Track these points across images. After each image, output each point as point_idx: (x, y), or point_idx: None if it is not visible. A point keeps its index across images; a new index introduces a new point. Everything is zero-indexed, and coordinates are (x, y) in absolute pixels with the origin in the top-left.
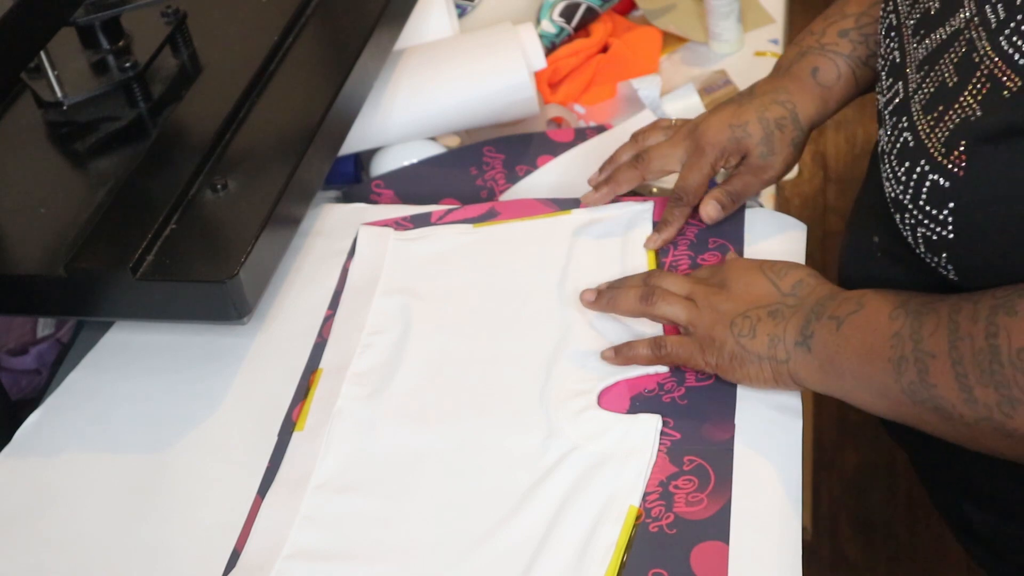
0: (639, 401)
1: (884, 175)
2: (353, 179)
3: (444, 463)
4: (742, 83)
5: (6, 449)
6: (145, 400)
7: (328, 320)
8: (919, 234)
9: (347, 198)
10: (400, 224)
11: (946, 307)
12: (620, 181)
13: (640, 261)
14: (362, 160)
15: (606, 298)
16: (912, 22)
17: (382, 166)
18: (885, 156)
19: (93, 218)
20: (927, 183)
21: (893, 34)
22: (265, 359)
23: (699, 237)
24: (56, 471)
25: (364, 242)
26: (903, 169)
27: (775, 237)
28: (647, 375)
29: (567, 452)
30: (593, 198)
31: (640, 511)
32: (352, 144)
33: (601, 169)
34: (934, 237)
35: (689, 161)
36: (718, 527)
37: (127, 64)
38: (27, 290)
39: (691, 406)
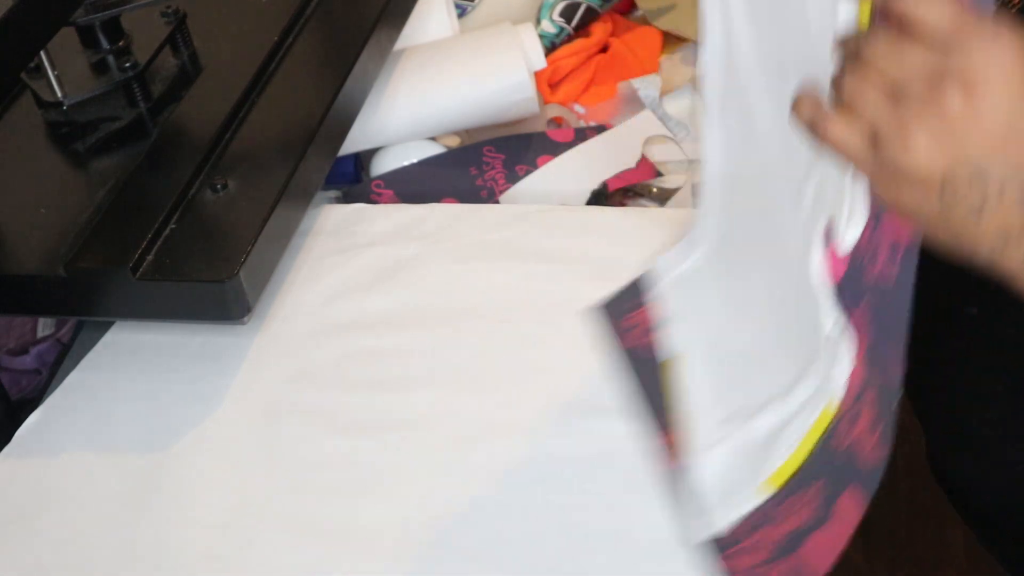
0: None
1: None
2: (353, 179)
3: None
4: None
5: (6, 449)
6: (145, 400)
7: None
8: None
9: (347, 198)
10: None
11: None
12: None
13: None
14: (362, 160)
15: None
16: None
17: (382, 166)
18: None
19: (93, 218)
20: None
21: None
22: (265, 359)
23: None
24: (56, 471)
25: None
26: None
27: None
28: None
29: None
30: None
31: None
32: (352, 144)
33: None
34: None
35: None
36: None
37: (127, 64)
38: (27, 290)
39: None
